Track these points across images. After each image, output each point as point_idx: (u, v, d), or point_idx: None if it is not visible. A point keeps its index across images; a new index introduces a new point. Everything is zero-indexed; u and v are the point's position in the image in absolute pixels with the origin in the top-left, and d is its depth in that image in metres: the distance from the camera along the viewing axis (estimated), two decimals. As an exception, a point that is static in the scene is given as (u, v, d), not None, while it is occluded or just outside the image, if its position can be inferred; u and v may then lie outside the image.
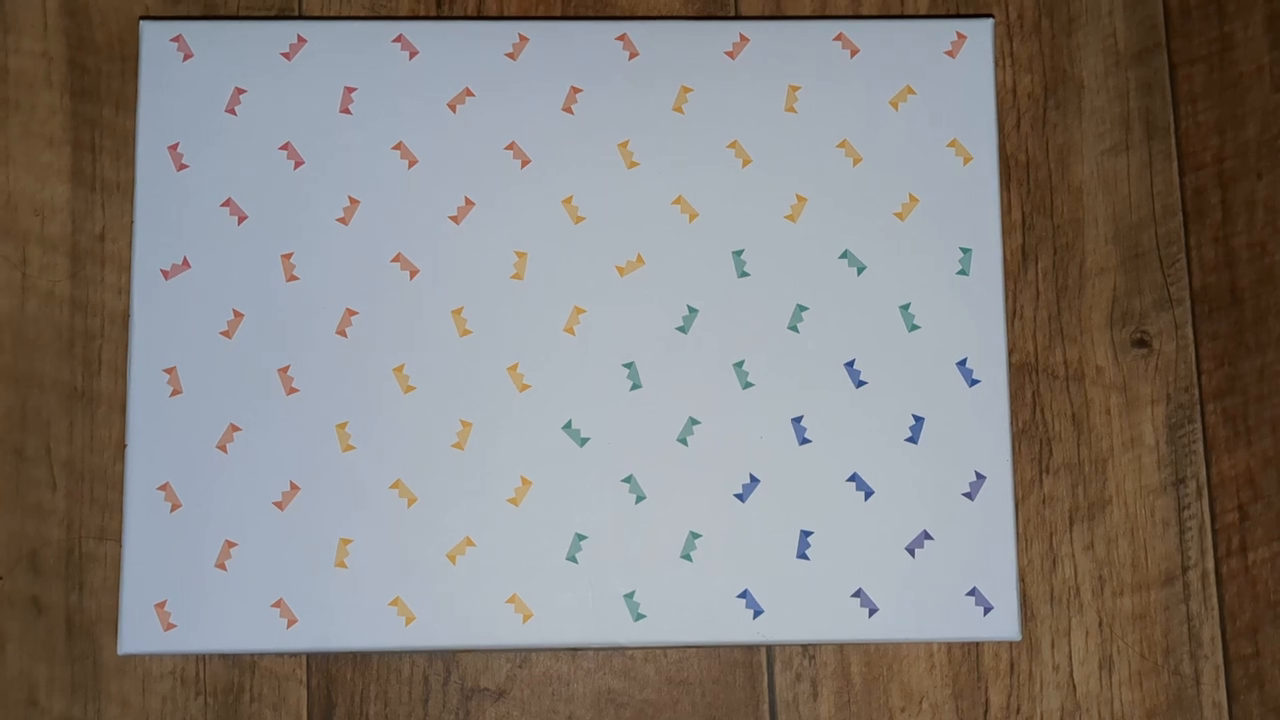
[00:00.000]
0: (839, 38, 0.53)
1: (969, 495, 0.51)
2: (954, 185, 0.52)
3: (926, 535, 0.51)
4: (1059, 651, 0.52)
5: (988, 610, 0.50)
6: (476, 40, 0.53)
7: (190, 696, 0.51)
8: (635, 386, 0.51)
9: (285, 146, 0.52)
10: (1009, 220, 0.54)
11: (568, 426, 0.51)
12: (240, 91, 0.52)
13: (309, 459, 0.50)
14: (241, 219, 0.52)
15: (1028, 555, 0.52)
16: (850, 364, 0.51)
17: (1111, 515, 0.53)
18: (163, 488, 0.50)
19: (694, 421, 0.51)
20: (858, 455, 0.51)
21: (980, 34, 0.53)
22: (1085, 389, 0.53)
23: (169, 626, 0.49)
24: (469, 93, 0.52)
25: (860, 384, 0.51)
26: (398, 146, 0.52)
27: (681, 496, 0.51)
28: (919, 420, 0.51)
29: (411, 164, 0.52)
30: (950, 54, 0.53)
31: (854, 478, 0.51)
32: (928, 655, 0.52)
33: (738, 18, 0.55)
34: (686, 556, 0.50)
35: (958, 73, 0.53)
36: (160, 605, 0.50)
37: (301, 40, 0.53)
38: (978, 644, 0.52)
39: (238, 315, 0.51)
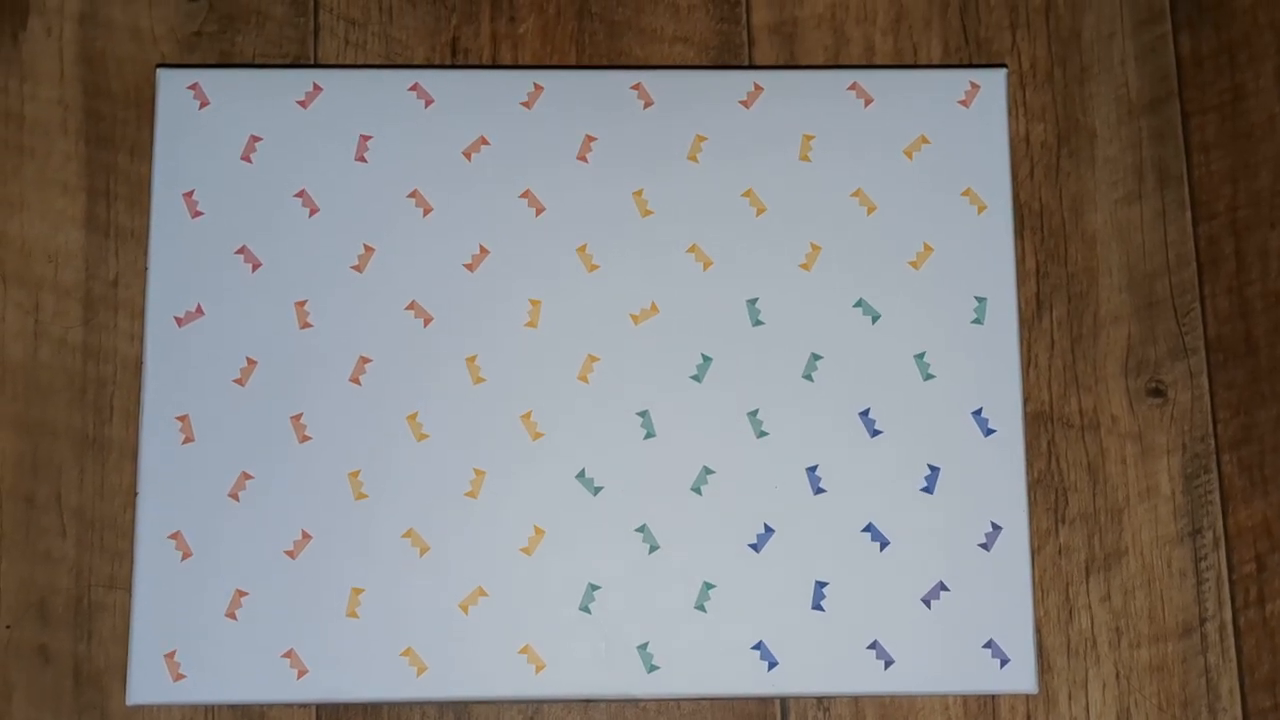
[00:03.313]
0: (853, 87, 0.53)
1: (985, 546, 0.50)
2: (968, 234, 0.52)
3: (942, 586, 0.50)
4: (1076, 704, 0.52)
5: (1004, 662, 0.50)
6: (491, 89, 0.53)
7: (198, 747, 0.51)
8: (649, 435, 0.51)
9: (300, 194, 0.52)
10: (1023, 269, 0.54)
11: (581, 475, 0.51)
12: (256, 139, 0.52)
13: (321, 507, 0.50)
14: (256, 266, 0.52)
15: (1044, 606, 0.52)
16: (865, 413, 0.51)
17: (1128, 566, 0.52)
18: (173, 536, 0.50)
19: (708, 471, 0.51)
20: (873, 505, 0.51)
21: (993, 84, 0.53)
22: (1101, 438, 0.53)
23: (178, 677, 0.49)
24: (484, 141, 0.53)
25: (875, 433, 0.51)
26: (413, 194, 0.52)
27: (695, 546, 0.50)
28: (934, 470, 0.51)
29: (426, 212, 0.52)
30: (964, 103, 0.53)
31: (869, 528, 0.50)
32: (944, 708, 0.52)
33: (752, 67, 0.55)
34: (700, 607, 0.50)
35: (971, 122, 0.53)
36: (170, 655, 0.49)
37: (317, 88, 0.53)
38: (994, 697, 0.52)
39: (251, 362, 0.51)
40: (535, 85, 0.53)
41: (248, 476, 0.50)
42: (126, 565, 0.51)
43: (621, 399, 0.51)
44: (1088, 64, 0.56)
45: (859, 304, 0.52)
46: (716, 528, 0.50)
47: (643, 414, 0.51)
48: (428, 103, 0.53)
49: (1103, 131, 0.55)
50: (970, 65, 0.56)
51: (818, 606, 0.50)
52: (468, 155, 0.53)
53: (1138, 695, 0.52)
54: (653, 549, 0.50)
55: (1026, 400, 0.53)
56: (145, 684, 0.49)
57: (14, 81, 0.55)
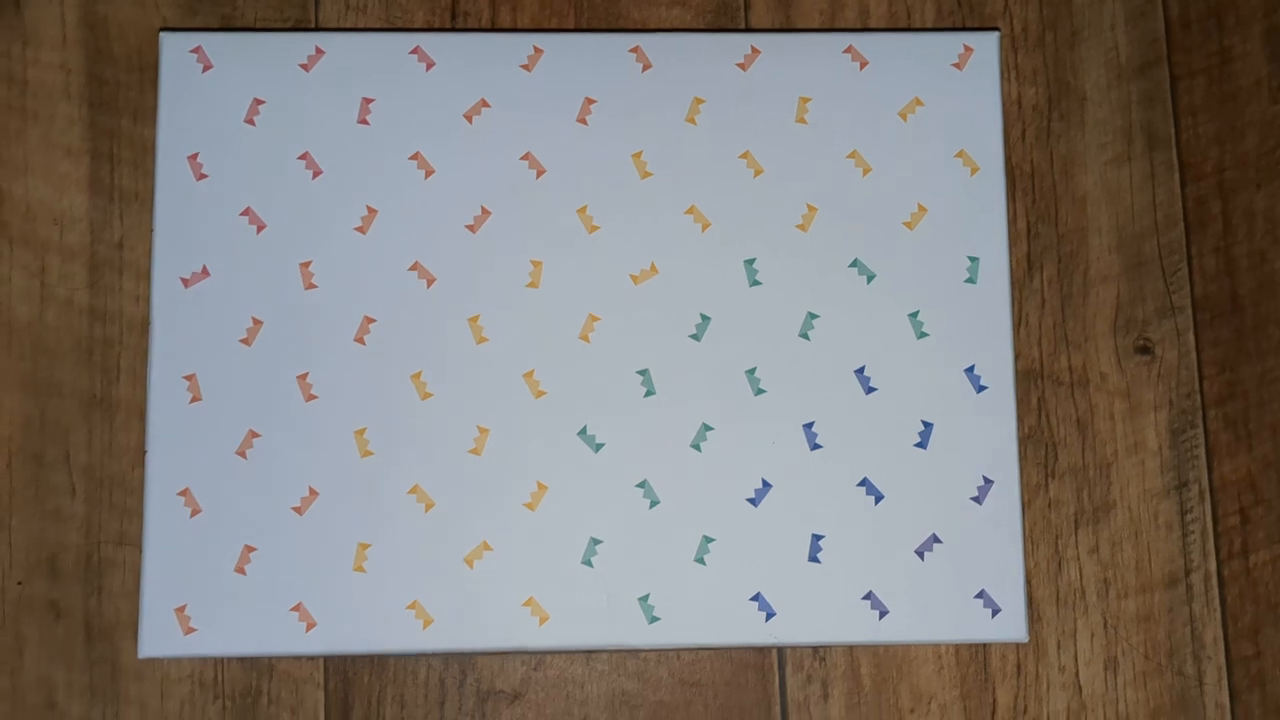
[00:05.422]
0: (848, 50, 0.54)
1: (977, 499, 0.52)
2: (961, 195, 0.53)
3: (935, 539, 0.51)
4: (1065, 653, 0.53)
5: (995, 612, 0.51)
6: (492, 52, 0.54)
7: (209, 700, 0.52)
8: (649, 393, 0.52)
9: (304, 156, 0.53)
10: (1015, 229, 0.55)
11: (583, 432, 0.52)
12: (259, 102, 0.53)
13: (328, 465, 0.51)
14: (260, 228, 0.52)
15: (1034, 558, 0.53)
16: (860, 371, 0.52)
17: (1116, 519, 0.54)
18: (183, 493, 0.51)
19: (707, 427, 0.52)
20: (868, 460, 0.52)
21: (986, 47, 0.54)
22: (1090, 395, 0.54)
23: (189, 630, 0.50)
24: (485, 104, 0.53)
25: (870, 390, 0.52)
26: (415, 156, 0.53)
27: (695, 501, 0.51)
28: (928, 426, 0.52)
29: (428, 174, 0.53)
30: (957, 66, 0.54)
31: (864, 482, 0.52)
32: (936, 657, 0.53)
33: (749, 30, 0.56)
34: (700, 560, 0.51)
35: (965, 85, 0.54)
36: (180, 609, 0.50)
37: (320, 51, 0.53)
38: (985, 645, 0.53)
39: (257, 323, 0.52)
40: (535, 48, 0.54)
41: (255, 435, 0.51)
42: (136, 522, 0.52)
43: (622, 358, 0.52)
44: (1078, 28, 0.57)
45: (854, 264, 0.53)
46: (715, 483, 0.51)
47: (643, 372, 0.52)
48: (429, 66, 0.53)
49: (1093, 94, 0.56)
50: (963, 28, 0.56)
51: (814, 559, 0.51)
52: (469, 118, 0.53)
53: (1125, 644, 0.53)
54: (653, 504, 0.51)
55: (1017, 358, 0.54)
56: (156, 637, 0.50)
57: (17, 46, 0.55)
